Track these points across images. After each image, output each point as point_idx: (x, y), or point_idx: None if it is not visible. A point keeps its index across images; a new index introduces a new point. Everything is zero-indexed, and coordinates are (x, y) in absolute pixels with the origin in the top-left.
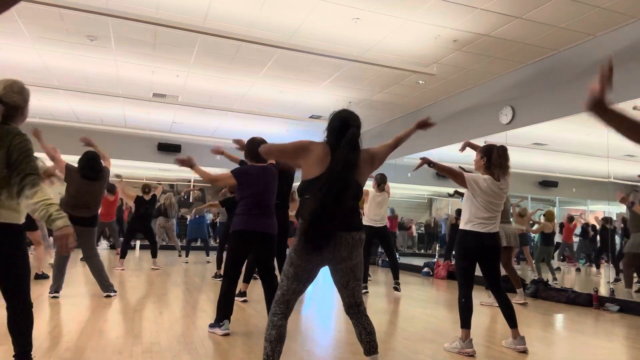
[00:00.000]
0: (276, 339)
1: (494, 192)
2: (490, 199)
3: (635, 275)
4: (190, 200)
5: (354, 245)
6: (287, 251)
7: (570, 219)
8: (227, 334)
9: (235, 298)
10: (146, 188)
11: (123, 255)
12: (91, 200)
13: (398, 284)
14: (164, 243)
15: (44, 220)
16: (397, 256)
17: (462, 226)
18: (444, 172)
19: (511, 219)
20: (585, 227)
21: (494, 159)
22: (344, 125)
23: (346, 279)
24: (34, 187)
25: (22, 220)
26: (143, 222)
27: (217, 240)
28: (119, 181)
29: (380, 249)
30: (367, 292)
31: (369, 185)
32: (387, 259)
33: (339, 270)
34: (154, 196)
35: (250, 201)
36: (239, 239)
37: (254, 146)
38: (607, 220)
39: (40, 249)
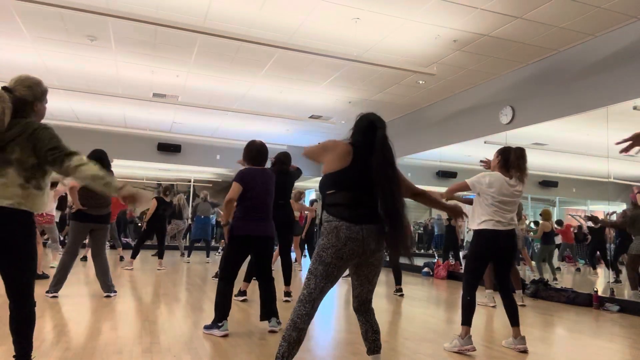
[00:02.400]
0: (295, 341)
1: (501, 190)
2: (499, 196)
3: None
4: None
5: (380, 237)
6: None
7: (559, 222)
8: (226, 335)
9: (235, 297)
10: (167, 190)
11: (134, 256)
12: (103, 197)
13: (400, 289)
14: (167, 243)
15: (103, 187)
16: None
17: (474, 227)
18: (455, 197)
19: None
20: (579, 228)
21: (512, 160)
22: (370, 126)
23: (373, 273)
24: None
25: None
26: (160, 223)
27: (222, 241)
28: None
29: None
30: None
31: None
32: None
33: (368, 265)
34: (172, 201)
35: (250, 204)
36: (238, 243)
37: (252, 149)
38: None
39: (39, 248)
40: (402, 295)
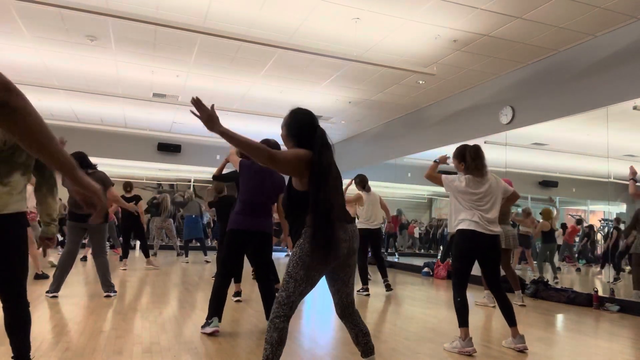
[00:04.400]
0: (277, 341)
1: (474, 192)
2: (473, 197)
3: None
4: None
5: (357, 237)
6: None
7: (579, 221)
8: (215, 332)
9: (231, 297)
10: (128, 186)
11: (125, 255)
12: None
13: (388, 283)
14: (163, 243)
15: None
16: (397, 256)
17: (455, 227)
18: (431, 176)
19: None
20: (587, 229)
21: (468, 162)
22: (312, 127)
23: (349, 274)
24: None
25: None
26: (131, 220)
27: (215, 240)
28: None
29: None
30: (368, 294)
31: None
32: (374, 258)
33: (345, 267)
34: (137, 196)
35: (246, 200)
36: (232, 238)
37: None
38: (619, 220)
39: (33, 248)
40: (388, 288)
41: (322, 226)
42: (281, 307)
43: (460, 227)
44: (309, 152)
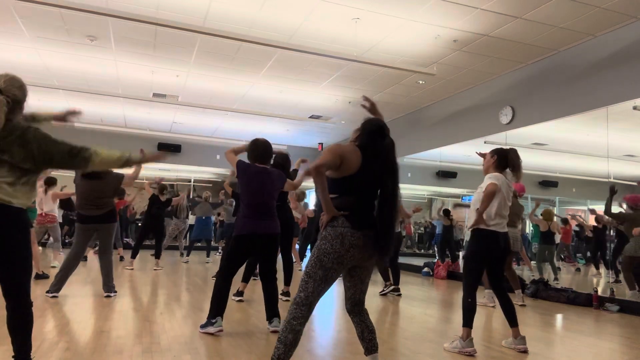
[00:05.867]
0: (292, 343)
1: (506, 191)
2: (503, 197)
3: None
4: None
5: (375, 242)
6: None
7: (565, 221)
8: (220, 331)
9: (232, 297)
10: (163, 190)
11: (133, 256)
12: (97, 198)
13: (398, 289)
14: (169, 243)
15: (125, 166)
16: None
17: (477, 226)
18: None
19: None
20: (579, 228)
21: (511, 159)
22: (380, 132)
23: (366, 274)
24: (93, 155)
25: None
26: (156, 222)
27: (221, 241)
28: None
29: None
30: (400, 294)
31: None
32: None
33: (363, 268)
34: (169, 200)
35: (250, 203)
36: (240, 243)
37: (257, 147)
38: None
39: (35, 248)
40: (399, 295)
41: (332, 228)
42: (300, 308)
43: (492, 228)
44: (351, 148)
